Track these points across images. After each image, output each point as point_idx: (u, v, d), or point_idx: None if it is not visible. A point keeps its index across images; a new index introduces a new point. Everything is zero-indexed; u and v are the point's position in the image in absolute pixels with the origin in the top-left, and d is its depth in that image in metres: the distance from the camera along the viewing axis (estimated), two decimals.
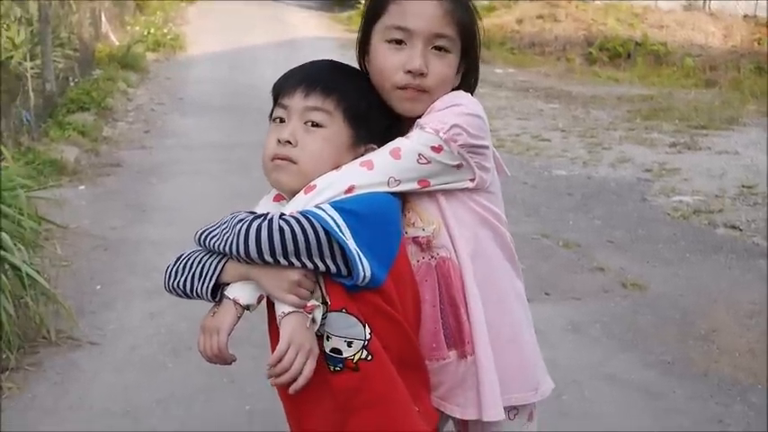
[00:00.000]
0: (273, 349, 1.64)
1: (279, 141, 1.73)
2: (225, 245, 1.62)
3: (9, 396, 3.62)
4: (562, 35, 15.37)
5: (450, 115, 1.73)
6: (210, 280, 1.67)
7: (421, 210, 1.79)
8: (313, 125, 1.73)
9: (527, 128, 9.67)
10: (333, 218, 1.59)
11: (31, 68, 8.04)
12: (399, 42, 1.77)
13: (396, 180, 1.70)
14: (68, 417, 3.51)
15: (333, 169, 1.71)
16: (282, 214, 1.61)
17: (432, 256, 1.79)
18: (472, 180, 1.78)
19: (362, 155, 1.75)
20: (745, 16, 15.20)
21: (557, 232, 5.97)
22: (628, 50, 14.37)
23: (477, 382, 1.80)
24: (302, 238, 1.57)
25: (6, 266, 3.98)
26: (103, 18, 13.63)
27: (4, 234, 4.00)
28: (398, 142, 1.73)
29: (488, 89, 11.62)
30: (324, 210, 1.60)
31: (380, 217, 1.68)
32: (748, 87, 12.04)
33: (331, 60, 1.86)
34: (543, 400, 1.94)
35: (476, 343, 1.80)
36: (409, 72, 1.75)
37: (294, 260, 1.58)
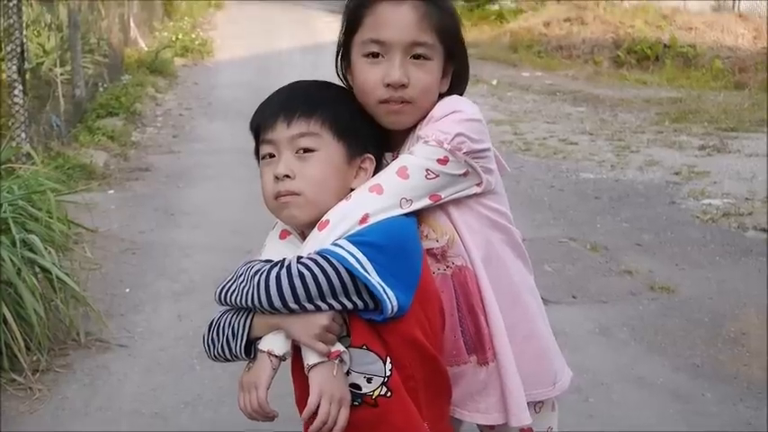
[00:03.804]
0: (295, 381, 1.64)
1: (277, 178, 1.68)
2: (246, 299, 1.60)
3: (39, 398, 3.66)
4: (590, 38, 15.27)
5: (451, 124, 1.70)
6: (242, 339, 1.65)
7: (433, 221, 1.76)
8: (305, 152, 1.68)
9: (554, 131, 9.64)
10: (352, 253, 1.56)
11: (61, 74, 8.14)
12: (377, 55, 1.73)
13: (407, 200, 1.68)
14: (98, 418, 3.54)
15: (337, 190, 1.68)
16: (300, 258, 1.58)
17: (447, 266, 1.78)
18: (479, 185, 1.76)
19: (361, 166, 1.73)
20: None
21: (584, 235, 5.93)
22: (656, 53, 14.25)
23: (502, 388, 1.80)
24: (324, 280, 1.54)
25: (37, 269, 4.03)
26: (132, 24, 13.74)
27: (34, 237, 4.05)
28: (403, 160, 1.70)
29: (516, 92, 11.57)
30: (342, 246, 1.57)
31: (400, 242, 1.65)
32: None
33: (298, 81, 1.82)
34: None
35: (497, 349, 1.79)
36: (389, 85, 1.72)
37: (320, 303, 1.56)
